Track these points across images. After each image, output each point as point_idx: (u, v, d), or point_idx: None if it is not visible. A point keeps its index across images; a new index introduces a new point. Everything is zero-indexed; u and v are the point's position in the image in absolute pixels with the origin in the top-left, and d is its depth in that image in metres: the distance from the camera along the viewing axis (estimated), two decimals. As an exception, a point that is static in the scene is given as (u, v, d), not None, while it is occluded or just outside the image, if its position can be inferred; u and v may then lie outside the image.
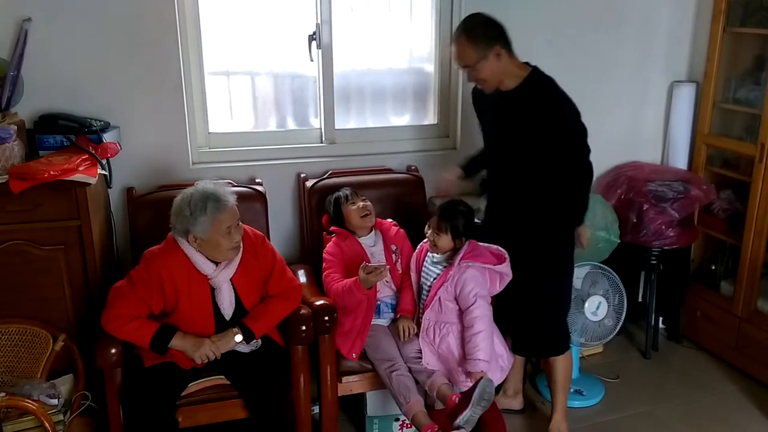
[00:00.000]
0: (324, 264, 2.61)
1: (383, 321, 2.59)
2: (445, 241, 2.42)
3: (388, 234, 2.70)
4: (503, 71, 2.30)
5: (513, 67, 2.31)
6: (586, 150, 2.35)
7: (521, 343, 2.64)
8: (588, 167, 2.37)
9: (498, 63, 2.28)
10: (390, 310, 2.61)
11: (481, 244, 2.45)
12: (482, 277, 2.39)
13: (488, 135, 2.55)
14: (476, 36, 2.26)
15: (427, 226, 2.49)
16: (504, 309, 2.54)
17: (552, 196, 2.40)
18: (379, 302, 2.58)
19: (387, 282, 2.61)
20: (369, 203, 2.67)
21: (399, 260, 2.66)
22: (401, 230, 2.74)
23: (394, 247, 2.67)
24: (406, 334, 2.48)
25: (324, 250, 2.65)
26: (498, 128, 2.46)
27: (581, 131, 2.32)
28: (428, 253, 2.53)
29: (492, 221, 2.62)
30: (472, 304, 2.34)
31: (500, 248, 2.42)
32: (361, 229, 2.65)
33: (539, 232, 2.45)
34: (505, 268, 2.40)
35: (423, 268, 2.54)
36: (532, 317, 2.55)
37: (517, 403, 2.85)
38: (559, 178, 2.35)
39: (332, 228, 2.68)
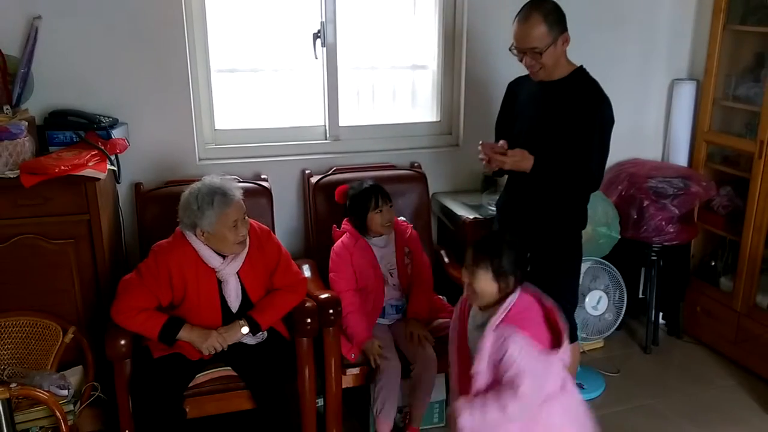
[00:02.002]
0: (330, 264, 2.62)
1: (386, 321, 2.64)
2: (485, 282, 1.85)
3: (402, 235, 2.67)
4: (560, 60, 2.30)
5: (565, 59, 2.32)
6: (600, 161, 2.33)
7: None
8: (593, 179, 2.34)
9: (562, 50, 2.28)
10: (395, 312, 2.66)
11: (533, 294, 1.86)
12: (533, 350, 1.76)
13: (522, 124, 2.45)
14: (551, 19, 2.22)
15: (463, 269, 1.96)
16: None
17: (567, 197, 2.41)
18: (384, 305, 2.62)
19: (394, 285, 2.64)
20: (392, 210, 2.62)
21: (410, 263, 2.67)
22: (414, 232, 2.73)
23: (406, 249, 2.66)
24: (416, 339, 2.50)
25: (332, 248, 2.64)
26: (536, 117, 2.40)
27: (604, 144, 2.31)
28: (470, 312, 2.00)
29: (507, 214, 2.59)
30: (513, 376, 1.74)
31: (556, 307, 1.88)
32: (376, 234, 2.63)
33: (554, 227, 2.45)
34: (564, 354, 1.79)
35: (467, 334, 2.00)
36: None
37: None
38: (564, 173, 2.31)
39: (345, 226, 2.66)
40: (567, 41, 2.28)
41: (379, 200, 2.58)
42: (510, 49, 2.31)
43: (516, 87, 2.52)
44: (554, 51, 2.26)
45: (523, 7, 2.27)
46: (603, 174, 2.38)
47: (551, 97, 2.34)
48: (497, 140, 2.57)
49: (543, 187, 2.35)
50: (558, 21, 2.25)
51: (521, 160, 2.25)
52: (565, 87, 2.31)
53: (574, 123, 2.27)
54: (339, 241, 2.64)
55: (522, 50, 2.27)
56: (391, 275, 2.66)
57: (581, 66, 2.35)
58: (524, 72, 2.42)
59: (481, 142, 2.33)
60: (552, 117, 2.33)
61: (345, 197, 2.68)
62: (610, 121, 2.31)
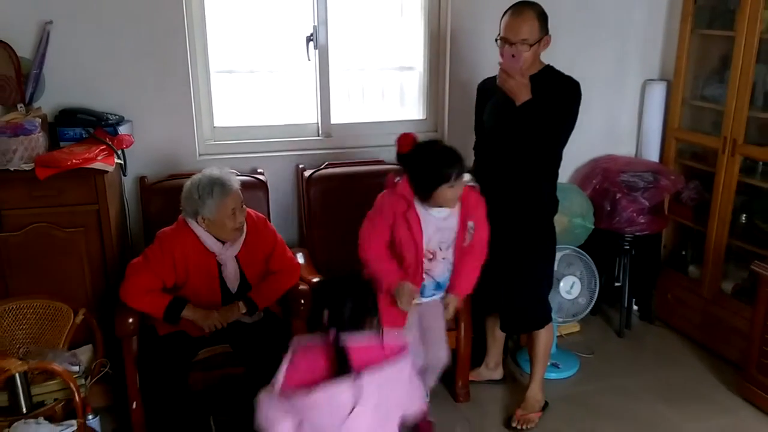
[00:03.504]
0: (372, 211, 2.32)
1: (423, 299, 2.39)
2: None
3: (467, 205, 2.33)
4: (536, 59, 2.49)
5: (539, 59, 2.51)
6: (563, 129, 2.49)
7: (508, 321, 2.83)
8: (555, 142, 2.50)
9: (541, 50, 2.47)
10: (434, 289, 2.40)
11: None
12: None
13: (495, 119, 2.59)
14: (542, 19, 2.43)
15: None
16: (492, 291, 2.73)
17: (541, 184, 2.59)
18: (425, 282, 2.37)
19: (444, 259, 2.35)
20: (464, 181, 2.25)
21: (471, 238, 2.37)
22: (481, 199, 2.39)
23: (470, 224, 2.35)
24: (450, 312, 2.43)
25: (381, 194, 2.32)
26: (503, 110, 2.49)
27: (570, 115, 2.48)
28: None
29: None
30: None
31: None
32: (438, 206, 2.26)
33: (529, 217, 2.63)
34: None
35: None
36: (519, 297, 2.73)
37: (497, 374, 3.08)
38: (530, 135, 2.42)
39: (400, 186, 2.25)
40: (548, 44, 2.48)
41: (455, 175, 2.17)
42: (496, 40, 2.46)
43: (486, 86, 2.69)
44: (537, 48, 2.46)
45: (517, 3, 2.46)
46: (566, 142, 2.54)
47: None
48: (478, 142, 2.78)
49: (519, 173, 2.53)
50: (545, 22, 2.46)
51: (522, 88, 2.36)
52: (537, 83, 2.47)
53: (546, 101, 2.41)
54: (388, 195, 2.30)
55: (511, 42, 2.41)
56: (441, 249, 2.34)
57: (549, 64, 2.55)
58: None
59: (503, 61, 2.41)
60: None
61: (411, 149, 2.23)
62: (577, 98, 2.50)
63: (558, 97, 2.46)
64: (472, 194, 2.37)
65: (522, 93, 2.38)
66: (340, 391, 1.60)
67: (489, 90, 2.65)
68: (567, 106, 2.50)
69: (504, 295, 2.75)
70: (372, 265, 2.29)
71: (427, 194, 2.22)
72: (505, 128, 2.51)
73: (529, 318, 2.78)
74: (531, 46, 2.42)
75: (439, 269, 2.37)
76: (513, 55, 2.38)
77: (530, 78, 2.45)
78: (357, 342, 1.67)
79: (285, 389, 1.63)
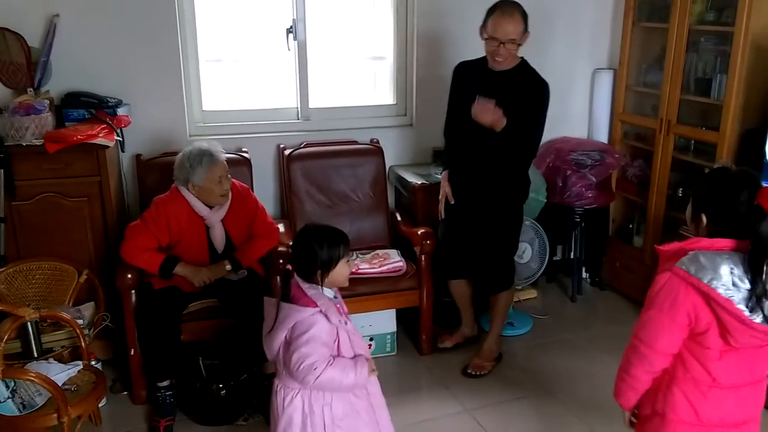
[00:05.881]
0: None
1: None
2: None
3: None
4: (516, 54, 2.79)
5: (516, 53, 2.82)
6: (539, 133, 2.87)
7: (486, 282, 3.16)
8: (533, 144, 2.87)
9: (522, 44, 2.75)
10: None
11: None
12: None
13: (470, 104, 2.76)
14: (526, 18, 2.72)
15: None
16: (461, 258, 3.10)
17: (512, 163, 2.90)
18: None
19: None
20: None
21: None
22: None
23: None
24: None
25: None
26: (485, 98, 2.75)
27: (544, 117, 2.84)
28: None
29: (461, 183, 3.01)
30: None
31: None
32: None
33: (506, 195, 2.96)
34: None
35: None
36: (496, 263, 3.07)
37: (474, 331, 3.40)
38: (511, 144, 2.75)
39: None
40: (527, 39, 2.78)
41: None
42: (485, 39, 2.74)
43: (464, 70, 2.95)
44: (521, 45, 2.77)
45: (502, 4, 2.72)
46: (540, 143, 2.92)
47: (503, 84, 2.80)
48: (450, 118, 3.07)
49: (497, 155, 2.82)
50: (527, 20, 2.76)
51: (498, 120, 2.68)
52: (515, 75, 2.80)
53: (522, 103, 2.75)
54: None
55: (501, 41, 2.68)
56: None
57: (523, 58, 2.86)
58: (463, 59, 2.94)
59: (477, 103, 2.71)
60: (502, 100, 2.74)
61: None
62: (547, 101, 2.85)
63: (534, 104, 2.79)
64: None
65: (499, 123, 2.69)
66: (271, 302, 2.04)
67: (468, 74, 2.93)
68: (542, 111, 2.83)
69: (482, 262, 3.07)
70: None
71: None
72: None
73: (503, 279, 3.13)
74: (518, 45, 2.73)
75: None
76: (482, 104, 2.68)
77: (508, 72, 2.78)
78: (307, 289, 1.98)
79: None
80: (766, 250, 1.62)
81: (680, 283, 1.66)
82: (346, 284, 2.09)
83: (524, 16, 2.74)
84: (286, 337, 1.96)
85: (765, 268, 1.62)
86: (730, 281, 1.61)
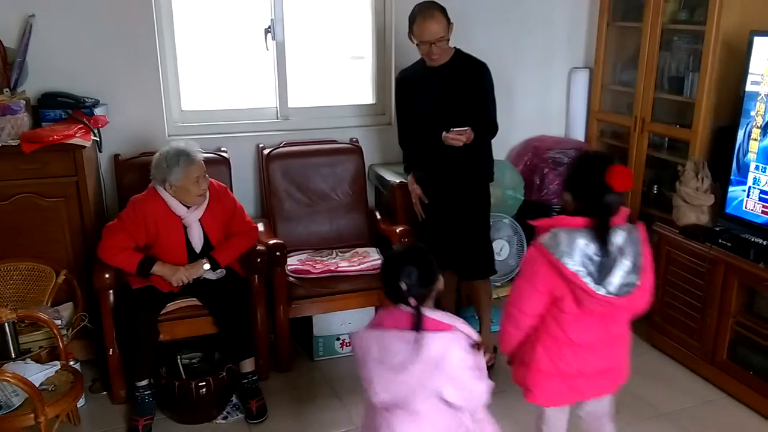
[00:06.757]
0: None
1: None
2: None
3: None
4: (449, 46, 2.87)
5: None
6: (495, 108, 2.95)
7: (468, 269, 3.16)
8: (494, 122, 2.95)
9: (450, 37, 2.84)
10: None
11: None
12: None
13: (425, 110, 2.91)
14: (445, 12, 2.78)
15: None
16: (442, 248, 3.10)
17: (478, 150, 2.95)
18: None
19: None
20: None
21: None
22: None
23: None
24: None
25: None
26: (437, 98, 2.87)
27: (493, 94, 2.93)
28: None
29: (429, 179, 3.05)
30: None
31: None
32: None
33: (475, 183, 3.01)
34: None
35: None
36: (476, 248, 3.09)
37: None
38: (477, 129, 2.81)
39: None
40: (452, 30, 2.84)
41: None
42: (417, 44, 2.81)
43: (406, 78, 3.04)
44: (449, 39, 2.84)
45: (421, 7, 2.80)
46: (496, 117, 2.98)
47: (447, 76, 2.88)
48: (403, 128, 3.11)
49: (460, 152, 2.85)
50: (446, 13, 2.81)
51: (470, 137, 2.79)
52: (454, 66, 2.87)
53: (471, 90, 2.85)
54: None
55: (431, 43, 2.77)
56: None
57: (456, 47, 2.91)
58: None
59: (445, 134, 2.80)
60: (452, 92, 2.86)
61: None
62: (492, 79, 2.92)
63: (481, 85, 2.87)
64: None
65: (470, 139, 2.80)
66: (402, 336, 1.76)
67: (411, 82, 3.00)
68: (490, 89, 2.92)
69: (462, 249, 3.07)
70: None
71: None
72: (446, 119, 2.83)
73: (485, 264, 3.15)
74: (448, 39, 2.81)
75: None
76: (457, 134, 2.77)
77: (447, 64, 2.85)
78: (431, 313, 1.81)
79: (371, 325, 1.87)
80: (606, 221, 1.83)
81: (539, 256, 1.89)
82: None
83: (443, 11, 2.81)
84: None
85: (609, 238, 1.83)
86: (583, 256, 1.83)
